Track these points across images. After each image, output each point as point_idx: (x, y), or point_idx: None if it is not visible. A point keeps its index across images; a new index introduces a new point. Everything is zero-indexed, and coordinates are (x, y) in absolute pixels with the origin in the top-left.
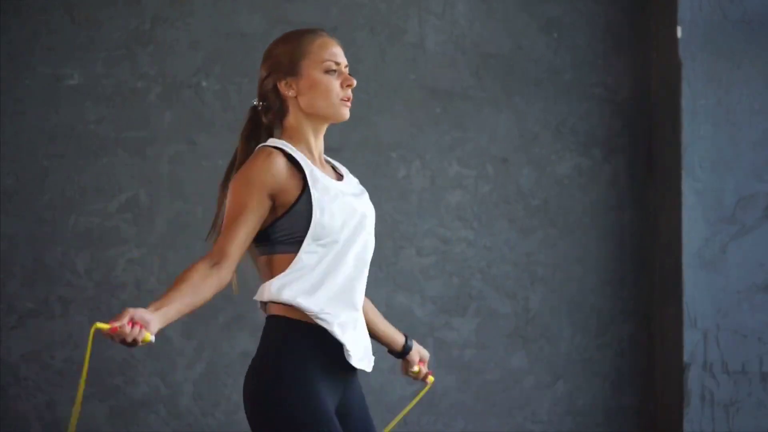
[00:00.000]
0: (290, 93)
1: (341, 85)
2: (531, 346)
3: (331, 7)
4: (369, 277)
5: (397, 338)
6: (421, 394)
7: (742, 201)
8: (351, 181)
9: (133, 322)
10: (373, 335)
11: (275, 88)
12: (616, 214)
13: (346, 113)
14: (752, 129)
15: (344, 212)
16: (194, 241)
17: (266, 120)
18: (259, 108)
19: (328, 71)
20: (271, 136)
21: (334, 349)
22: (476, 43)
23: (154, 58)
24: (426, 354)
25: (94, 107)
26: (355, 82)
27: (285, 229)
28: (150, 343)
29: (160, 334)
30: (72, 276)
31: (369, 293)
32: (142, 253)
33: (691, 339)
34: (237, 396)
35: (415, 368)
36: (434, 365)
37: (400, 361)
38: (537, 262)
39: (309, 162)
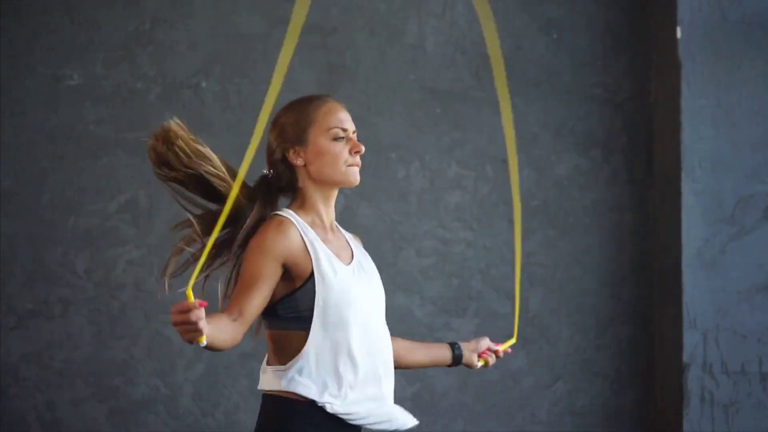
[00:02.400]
0: (298, 162)
1: (350, 152)
2: (530, 346)
3: (331, 8)
4: None
5: (444, 355)
6: (507, 344)
7: (742, 202)
8: (358, 257)
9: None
10: (420, 366)
11: (284, 158)
12: (615, 214)
13: (356, 178)
14: (752, 130)
15: (348, 301)
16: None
17: (276, 189)
18: (270, 177)
19: (335, 138)
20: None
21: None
22: (476, 43)
23: (154, 58)
24: (481, 345)
25: (93, 108)
26: (363, 149)
27: (297, 305)
28: (200, 345)
29: (160, 335)
30: (72, 276)
31: None
32: (141, 254)
33: (690, 339)
34: (236, 396)
35: (479, 364)
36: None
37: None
38: (536, 262)
39: (320, 240)
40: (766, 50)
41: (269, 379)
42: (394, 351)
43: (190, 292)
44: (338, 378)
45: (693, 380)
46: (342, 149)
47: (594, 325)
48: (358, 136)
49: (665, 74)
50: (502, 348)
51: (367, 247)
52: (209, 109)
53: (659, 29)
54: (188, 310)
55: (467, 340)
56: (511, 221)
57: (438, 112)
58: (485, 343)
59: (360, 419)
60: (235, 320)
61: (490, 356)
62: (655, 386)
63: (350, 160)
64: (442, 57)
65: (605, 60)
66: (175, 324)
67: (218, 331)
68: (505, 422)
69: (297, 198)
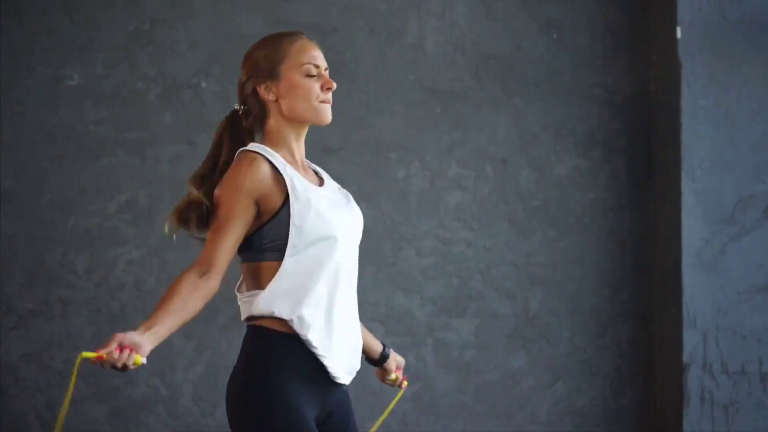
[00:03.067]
0: (270, 97)
1: (321, 88)
2: (530, 346)
3: (331, 7)
4: (369, 278)
5: (375, 347)
6: (396, 399)
7: (742, 202)
8: (332, 186)
9: (121, 347)
10: None
11: (255, 92)
12: (615, 214)
13: (327, 116)
14: (752, 130)
15: (326, 221)
16: (194, 241)
17: (246, 124)
18: (240, 112)
19: (308, 74)
20: (252, 140)
21: (317, 363)
22: (476, 43)
23: (154, 59)
24: (402, 361)
25: (93, 108)
26: (335, 85)
27: (269, 237)
28: (142, 365)
29: None
30: (72, 277)
31: (369, 294)
32: (141, 254)
33: (690, 339)
34: None
35: (392, 376)
36: (434, 366)
37: (376, 368)
38: (536, 262)
39: (291, 168)
40: (766, 50)
41: (246, 306)
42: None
43: (86, 355)
44: (313, 300)
45: (693, 380)
46: (314, 85)
47: (594, 325)
48: (357, 136)
49: (665, 74)
50: (403, 384)
51: (368, 247)
52: (209, 109)
53: (659, 29)
54: (108, 360)
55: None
56: (510, 221)
57: (438, 112)
58: (402, 365)
59: (329, 358)
60: (203, 274)
61: (399, 376)
62: (655, 386)
63: (322, 96)
64: (442, 57)
65: (605, 60)
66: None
67: (174, 315)
68: (505, 422)
69: (267, 134)
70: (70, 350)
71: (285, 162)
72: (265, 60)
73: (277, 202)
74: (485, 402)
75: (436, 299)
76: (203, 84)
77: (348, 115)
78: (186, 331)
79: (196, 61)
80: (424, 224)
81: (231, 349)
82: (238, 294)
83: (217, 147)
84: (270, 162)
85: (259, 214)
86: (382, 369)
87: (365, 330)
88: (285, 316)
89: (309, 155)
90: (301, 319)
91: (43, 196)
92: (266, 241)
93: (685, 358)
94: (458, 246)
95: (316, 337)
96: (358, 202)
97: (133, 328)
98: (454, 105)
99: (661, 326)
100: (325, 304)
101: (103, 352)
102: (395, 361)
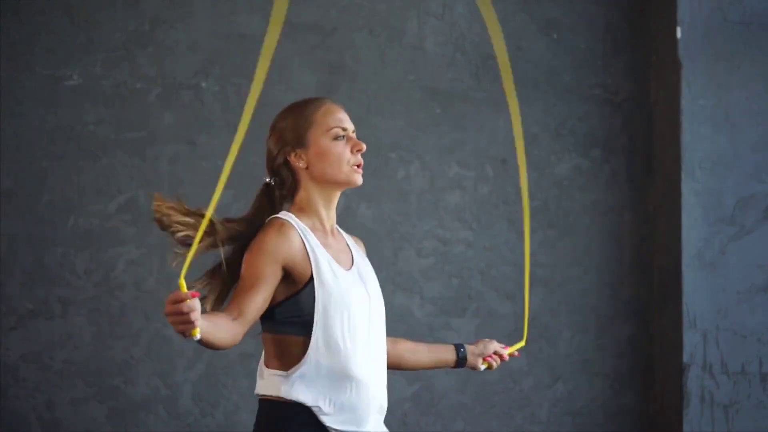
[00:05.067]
0: (301, 164)
1: (351, 151)
2: (530, 346)
3: (331, 8)
4: None
5: (448, 357)
6: (515, 347)
7: (742, 202)
8: (359, 262)
9: (191, 311)
10: (423, 368)
11: (286, 162)
12: (615, 215)
13: (359, 179)
14: (751, 130)
15: (348, 306)
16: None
17: (279, 195)
18: (273, 184)
19: (336, 138)
20: (283, 208)
21: None
22: (475, 44)
23: (154, 59)
24: (488, 348)
25: (93, 108)
26: (365, 147)
27: (293, 312)
28: (194, 338)
29: (160, 335)
30: (71, 277)
31: None
32: (141, 254)
33: (690, 340)
34: (236, 396)
35: (482, 367)
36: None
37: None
38: (536, 263)
39: (318, 241)
40: (766, 50)
41: (269, 384)
42: (398, 353)
43: (182, 282)
44: (337, 390)
45: (693, 380)
46: (344, 149)
47: (594, 325)
48: (358, 135)
49: (665, 74)
50: (508, 351)
51: (368, 247)
52: (209, 109)
53: (659, 29)
54: (181, 300)
55: (473, 341)
56: (510, 221)
57: (438, 113)
58: (492, 346)
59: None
60: (234, 319)
61: (495, 360)
62: (655, 386)
63: (353, 159)
64: (441, 57)
65: (605, 60)
66: (168, 314)
67: (215, 327)
68: (505, 422)
69: (297, 202)
70: (70, 350)
71: (315, 238)
72: (293, 129)
73: (305, 273)
74: (485, 402)
75: (436, 299)
76: (203, 84)
77: (348, 115)
78: None
79: (196, 61)
80: (424, 224)
81: (231, 349)
82: (264, 367)
83: (253, 217)
84: (299, 233)
85: (290, 282)
86: (471, 368)
87: (430, 347)
88: (308, 403)
89: None
90: (326, 404)
91: (43, 196)
92: (287, 315)
93: (685, 358)
94: (458, 246)
95: (341, 419)
96: (359, 202)
97: (135, 329)
98: (454, 105)
99: (661, 326)
100: (354, 388)
101: (190, 294)
102: (475, 354)
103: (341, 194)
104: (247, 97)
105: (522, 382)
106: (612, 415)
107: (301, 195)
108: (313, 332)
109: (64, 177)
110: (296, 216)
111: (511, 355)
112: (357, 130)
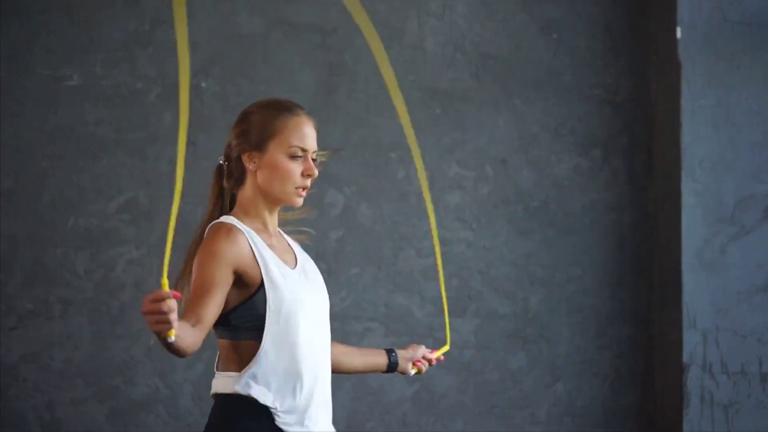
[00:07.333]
0: (251, 167)
1: (302, 173)
2: (530, 346)
3: (330, 8)
4: (369, 278)
5: (380, 361)
6: (439, 352)
7: (742, 202)
8: (302, 261)
9: (169, 311)
10: (355, 372)
11: (239, 157)
12: (615, 215)
13: (299, 202)
14: (751, 130)
15: (300, 303)
16: None
17: (226, 184)
18: (225, 167)
19: (293, 157)
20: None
21: None
22: (475, 44)
23: (154, 59)
24: (417, 353)
25: (93, 108)
26: (316, 173)
27: (245, 317)
28: (168, 340)
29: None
30: (71, 277)
31: (369, 294)
32: (141, 254)
33: (690, 340)
34: None
35: (412, 372)
36: (434, 365)
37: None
38: (536, 263)
39: (264, 243)
40: (766, 50)
41: (223, 383)
42: (333, 356)
43: (165, 281)
44: (288, 389)
45: (693, 380)
46: (296, 169)
47: (594, 325)
48: (357, 136)
49: (665, 74)
50: (435, 356)
51: (368, 247)
52: (209, 109)
53: (659, 29)
54: (161, 299)
55: (404, 346)
56: (510, 221)
57: (438, 113)
58: (421, 351)
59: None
60: (193, 326)
61: (424, 364)
62: (655, 386)
63: (300, 182)
64: (441, 57)
65: (605, 60)
66: (146, 313)
67: (184, 332)
68: (505, 422)
69: (241, 202)
70: (70, 350)
71: (259, 237)
72: (257, 130)
73: (256, 277)
74: (485, 402)
75: (436, 299)
76: (203, 84)
77: (348, 115)
78: None
79: (196, 61)
80: (424, 224)
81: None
82: (217, 371)
83: (213, 207)
84: (247, 238)
85: (241, 287)
86: (401, 373)
87: (361, 351)
88: (262, 401)
89: None
90: (280, 404)
91: (43, 196)
92: (243, 320)
93: (685, 358)
94: (458, 246)
95: (292, 419)
96: (359, 202)
97: (135, 329)
98: (454, 105)
99: (661, 326)
100: (305, 386)
101: (171, 293)
102: (406, 359)
103: (340, 193)
104: (247, 97)
105: (522, 382)
106: (612, 415)
107: (245, 193)
108: (264, 333)
109: (64, 177)
110: (241, 220)
111: (438, 359)
112: (357, 130)
